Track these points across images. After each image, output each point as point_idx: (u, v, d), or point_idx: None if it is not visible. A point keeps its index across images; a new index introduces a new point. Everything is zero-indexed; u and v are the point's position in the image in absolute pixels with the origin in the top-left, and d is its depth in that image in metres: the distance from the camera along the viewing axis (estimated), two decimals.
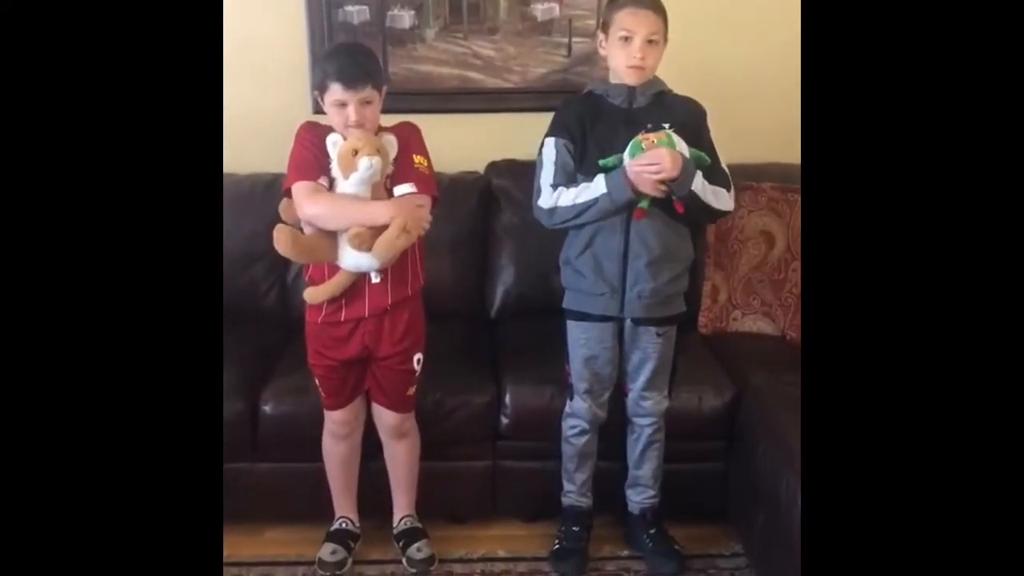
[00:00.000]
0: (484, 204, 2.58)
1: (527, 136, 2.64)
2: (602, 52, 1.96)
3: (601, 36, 1.95)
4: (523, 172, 2.60)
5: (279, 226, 1.81)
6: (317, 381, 2.01)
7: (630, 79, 1.90)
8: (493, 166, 2.64)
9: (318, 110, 2.27)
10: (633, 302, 1.95)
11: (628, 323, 2.00)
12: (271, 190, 2.55)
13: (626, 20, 1.87)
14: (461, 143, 2.60)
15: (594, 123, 1.93)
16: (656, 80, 1.94)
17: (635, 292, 1.94)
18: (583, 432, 2.08)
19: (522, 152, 2.63)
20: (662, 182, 1.82)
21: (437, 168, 2.49)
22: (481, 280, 2.56)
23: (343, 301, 1.90)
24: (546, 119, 2.47)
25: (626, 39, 1.87)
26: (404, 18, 2.59)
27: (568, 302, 2.04)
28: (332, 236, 1.83)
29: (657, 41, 1.88)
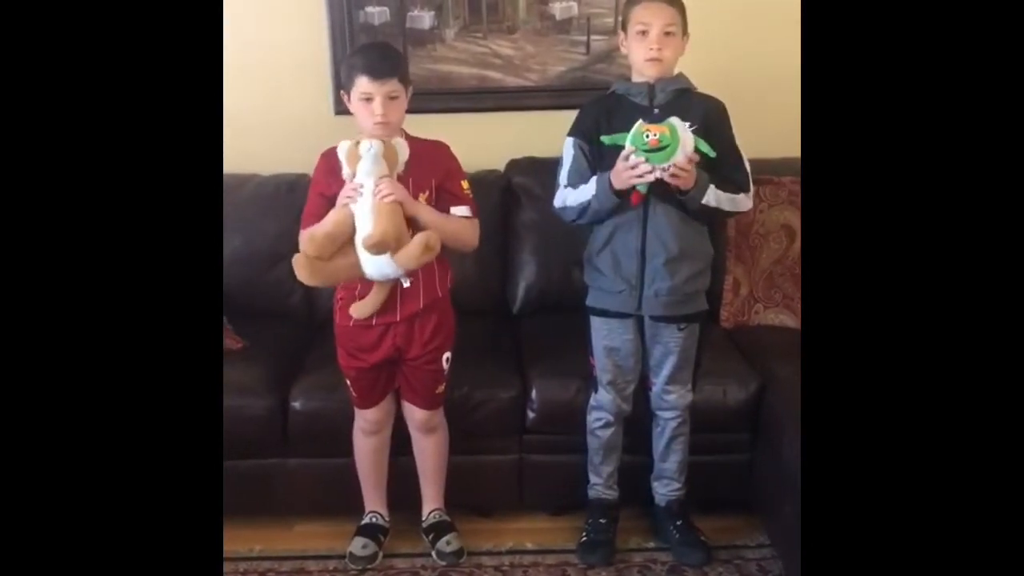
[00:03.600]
0: (505, 202, 2.60)
1: (547, 134, 2.66)
2: (624, 51, 1.98)
3: (622, 35, 1.97)
4: (543, 169, 2.62)
5: (296, 256, 1.82)
6: (348, 382, 2.03)
7: (649, 72, 1.91)
8: (513, 164, 2.66)
9: (340, 111, 2.31)
10: (651, 300, 1.97)
11: (648, 320, 2.02)
12: (295, 191, 2.59)
13: (642, 13, 1.89)
14: (481, 142, 2.62)
15: (611, 121, 1.94)
16: (679, 78, 1.96)
17: (652, 290, 1.96)
18: (608, 424, 2.10)
19: (542, 150, 2.66)
20: (679, 190, 1.86)
21: None
22: (503, 276, 2.58)
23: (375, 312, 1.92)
24: (565, 117, 2.48)
25: (643, 32, 1.89)
26: (424, 19, 2.61)
27: (590, 299, 2.06)
28: (350, 255, 1.84)
29: (674, 33, 1.89)
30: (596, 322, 2.05)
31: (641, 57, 1.91)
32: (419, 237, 1.79)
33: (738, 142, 1.99)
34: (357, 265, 1.84)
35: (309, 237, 1.83)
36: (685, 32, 1.93)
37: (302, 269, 1.81)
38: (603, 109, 1.99)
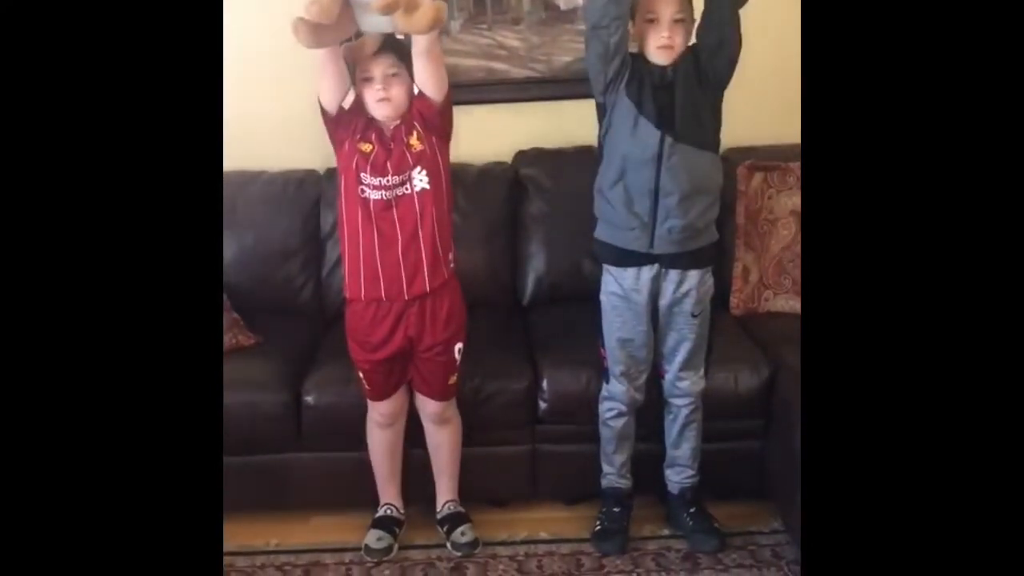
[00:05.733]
0: (513, 193, 2.60)
1: (554, 125, 2.67)
2: (632, 38, 1.97)
3: (630, 22, 1.97)
4: (551, 160, 2.64)
5: (295, 24, 1.72)
6: (361, 375, 2.04)
7: (661, 59, 1.91)
8: (521, 155, 2.66)
9: None
10: (663, 237, 1.95)
11: (664, 271, 1.98)
12: (303, 187, 2.61)
13: (650, 3, 1.89)
14: (488, 134, 2.62)
15: (624, 75, 1.92)
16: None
17: (665, 228, 1.94)
18: (620, 414, 2.10)
19: (549, 141, 2.66)
20: None
21: (466, 159, 2.54)
22: (512, 268, 2.59)
23: (382, 280, 1.92)
24: (572, 107, 2.49)
25: (652, 21, 1.89)
26: None
27: (599, 232, 2.05)
28: (345, 12, 1.74)
29: (684, 19, 1.89)
30: (608, 310, 2.04)
31: (652, 45, 1.90)
32: (429, 7, 1.71)
33: None
34: (352, 20, 1.78)
35: (315, 2, 1.71)
36: (693, 17, 1.92)
37: (306, 36, 1.74)
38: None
